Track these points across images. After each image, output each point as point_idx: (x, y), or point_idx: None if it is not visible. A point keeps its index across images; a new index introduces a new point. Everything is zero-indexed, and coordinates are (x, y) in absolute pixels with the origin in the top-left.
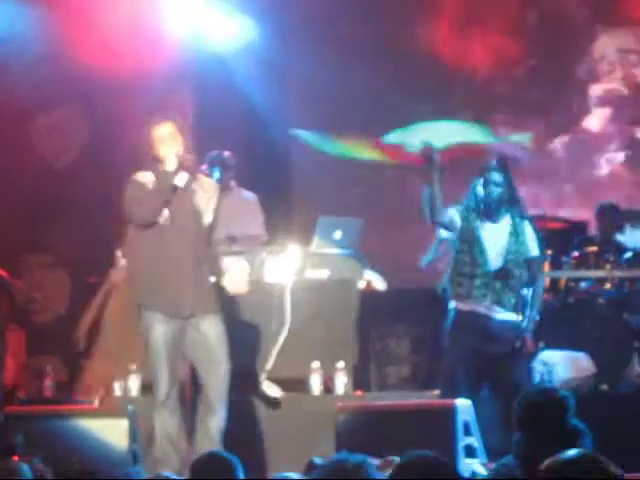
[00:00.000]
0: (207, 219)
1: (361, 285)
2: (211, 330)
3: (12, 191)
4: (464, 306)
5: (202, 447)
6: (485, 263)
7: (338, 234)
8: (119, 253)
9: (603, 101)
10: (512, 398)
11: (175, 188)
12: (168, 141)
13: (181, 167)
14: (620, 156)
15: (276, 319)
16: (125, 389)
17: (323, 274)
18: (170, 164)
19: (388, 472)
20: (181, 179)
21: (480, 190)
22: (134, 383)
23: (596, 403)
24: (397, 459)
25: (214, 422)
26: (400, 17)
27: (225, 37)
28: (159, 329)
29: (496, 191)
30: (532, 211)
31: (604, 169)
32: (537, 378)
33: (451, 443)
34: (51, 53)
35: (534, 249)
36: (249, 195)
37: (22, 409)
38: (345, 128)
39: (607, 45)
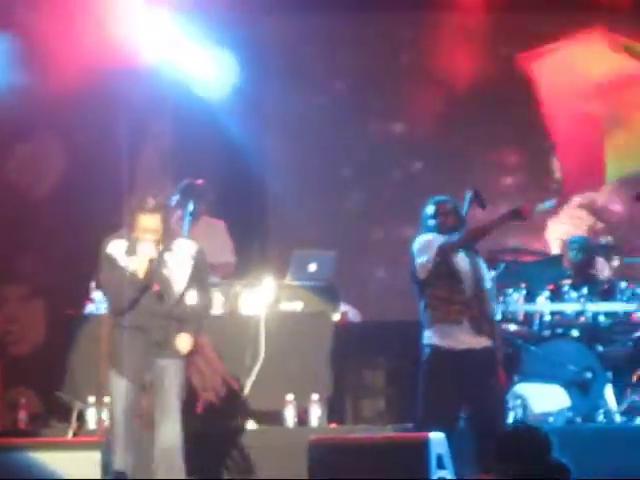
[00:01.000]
0: (179, 286)
1: (336, 317)
2: (170, 371)
3: None
4: (441, 342)
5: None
6: (463, 289)
7: (312, 267)
8: (93, 284)
9: None
10: (487, 431)
11: (138, 290)
12: (150, 232)
13: (148, 273)
14: None
15: (250, 351)
16: (98, 421)
17: (297, 306)
18: (140, 268)
19: None
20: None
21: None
22: (108, 415)
23: (570, 436)
24: None
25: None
26: (379, 47)
27: (201, 69)
28: (118, 382)
29: (449, 222)
30: (508, 244)
31: None
32: (511, 411)
33: (424, 476)
34: (26, 82)
35: (489, 279)
36: (217, 223)
37: None
38: (320, 159)
39: None
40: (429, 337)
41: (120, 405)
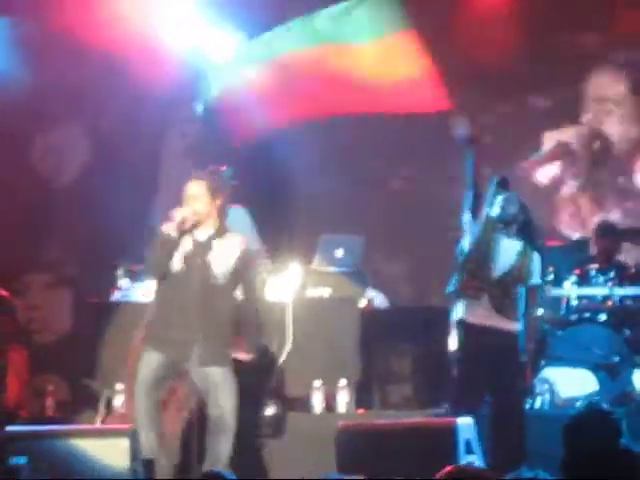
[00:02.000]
0: (223, 273)
1: (363, 303)
2: (218, 382)
3: (12, 210)
4: (473, 318)
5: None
6: (492, 272)
7: (340, 252)
8: (119, 272)
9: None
10: (507, 416)
11: (174, 245)
12: (190, 200)
13: (181, 232)
14: None
15: (278, 338)
16: (127, 408)
17: (325, 292)
18: (170, 226)
19: None
20: (199, 235)
21: (497, 206)
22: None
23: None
24: None
25: (222, 446)
26: None
27: (226, 54)
28: (149, 360)
29: (513, 209)
30: None
31: None
32: (538, 396)
33: (452, 461)
34: (48, 71)
35: (536, 277)
36: (239, 210)
37: (24, 429)
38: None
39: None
40: (461, 316)
41: (145, 381)
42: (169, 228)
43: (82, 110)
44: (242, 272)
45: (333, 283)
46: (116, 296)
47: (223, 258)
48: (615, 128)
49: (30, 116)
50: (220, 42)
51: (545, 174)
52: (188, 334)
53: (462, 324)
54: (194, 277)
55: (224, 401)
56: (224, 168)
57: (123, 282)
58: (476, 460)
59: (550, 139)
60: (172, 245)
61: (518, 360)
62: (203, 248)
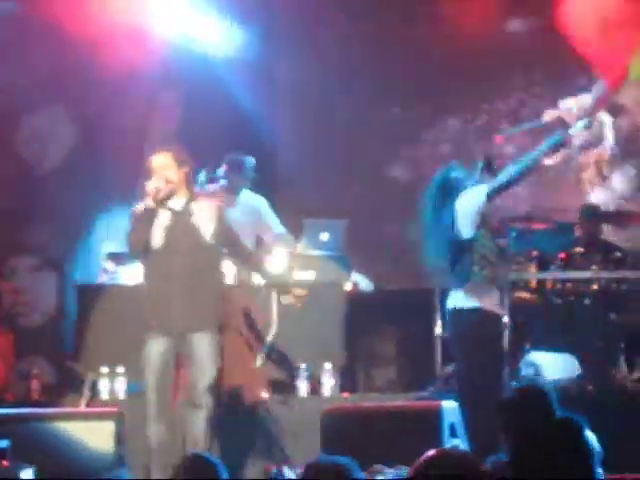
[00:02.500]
0: (206, 237)
1: (347, 286)
2: (202, 347)
3: None
4: (490, 306)
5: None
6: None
7: (324, 236)
8: (104, 255)
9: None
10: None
11: (173, 215)
12: (158, 171)
13: (165, 199)
14: None
15: (263, 321)
16: (112, 392)
17: (310, 276)
18: (147, 198)
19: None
20: (173, 205)
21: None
22: (121, 385)
23: (582, 404)
24: (384, 468)
25: (198, 418)
26: (390, 16)
27: (212, 40)
28: (153, 346)
29: None
30: (519, 211)
31: None
32: (524, 380)
33: (437, 444)
34: (35, 54)
35: None
36: (259, 198)
37: (9, 412)
38: (330, 130)
39: None
40: (475, 304)
41: (154, 367)
42: (139, 208)
43: (67, 94)
44: (224, 233)
45: (318, 267)
46: (101, 279)
47: (203, 222)
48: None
49: (14, 100)
50: (206, 27)
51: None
52: (182, 303)
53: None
54: (178, 246)
55: (206, 370)
56: (246, 157)
57: (108, 265)
58: (460, 443)
59: (549, 114)
60: (148, 217)
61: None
62: (181, 216)
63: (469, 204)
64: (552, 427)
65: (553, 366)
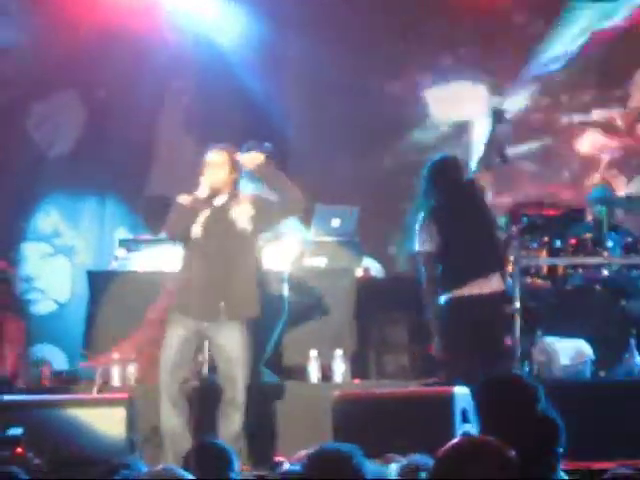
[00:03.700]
0: (243, 227)
1: (359, 273)
2: (231, 339)
3: (9, 180)
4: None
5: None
6: None
7: (335, 222)
8: (116, 242)
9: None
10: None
11: (202, 209)
12: (211, 168)
13: (213, 195)
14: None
15: (274, 307)
16: (124, 378)
17: (321, 262)
18: (202, 191)
19: (389, 468)
20: (217, 201)
21: None
22: (132, 372)
23: (594, 389)
24: (397, 457)
25: (236, 417)
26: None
27: (223, 25)
28: (175, 329)
29: None
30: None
31: None
32: (536, 365)
33: (449, 430)
34: (47, 39)
35: None
36: None
37: (20, 399)
38: (340, 115)
39: None
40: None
41: (173, 350)
42: (185, 199)
43: (77, 80)
44: (258, 217)
45: (329, 253)
46: (113, 265)
47: (240, 214)
48: None
49: (26, 84)
50: (218, 12)
51: (586, 141)
52: (212, 294)
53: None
54: (213, 240)
55: (242, 365)
56: (266, 144)
57: (120, 252)
58: (472, 429)
59: (597, 114)
60: (189, 215)
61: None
62: (221, 212)
63: None
64: (532, 422)
65: (565, 352)
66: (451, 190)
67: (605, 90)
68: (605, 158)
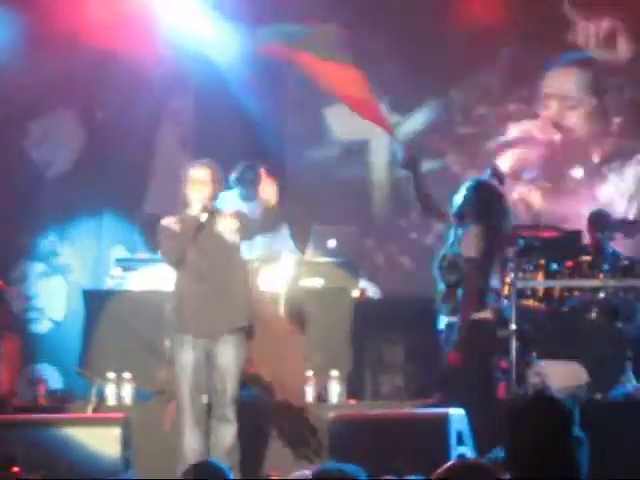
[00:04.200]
0: (231, 240)
1: (355, 293)
2: (227, 352)
3: (7, 198)
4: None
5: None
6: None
7: (332, 243)
8: (113, 261)
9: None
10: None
11: (196, 229)
12: (197, 185)
13: (204, 210)
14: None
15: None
16: (118, 397)
17: (317, 283)
18: (195, 207)
19: None
20: (202, 217)
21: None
22: (127, 391)
23: (590, 413)
24: (393, 478)
25: (228, 432)
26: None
27: (220, 43)
28: (184, 351)
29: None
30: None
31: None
32: (530, 388)
33: (445, 452)
34: (46, 57)
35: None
36: None
37: (16, 417)
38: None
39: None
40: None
41: (187, 375)
42: (170, 222)
43: (76, 98)
44: (243, 229)
45: (326, 274)
46: (109, 284)
47: (226, 231)
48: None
49: (24, 103)
50: (214, 30)
51: (506, 161)
52: (212, 309)
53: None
54: (205, 256)
55: (232, 378)
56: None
57: (116, 271)
58: (468, 451)
59: (514, 129)
60: (181, 238)
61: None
62: (208, 227)
63: None
64: (563, 443)
65: (560, 374)
66: None
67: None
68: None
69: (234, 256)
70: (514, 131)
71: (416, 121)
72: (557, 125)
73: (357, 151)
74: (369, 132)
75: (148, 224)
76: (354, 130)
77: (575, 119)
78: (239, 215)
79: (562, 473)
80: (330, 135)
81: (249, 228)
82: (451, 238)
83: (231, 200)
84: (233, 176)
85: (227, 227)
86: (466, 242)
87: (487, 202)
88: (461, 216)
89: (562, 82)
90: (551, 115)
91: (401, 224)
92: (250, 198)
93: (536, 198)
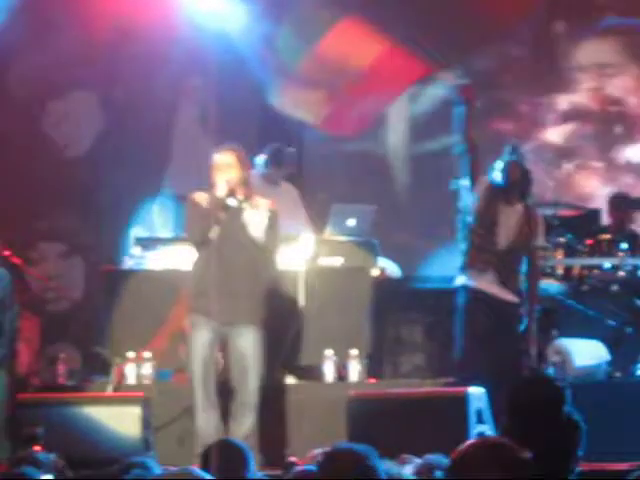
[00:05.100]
0: (256, 231)
1: (375, 272)
2: (247, 342)
3: (27, 179)
4: (478, 284)
5: None
6: (497, 243)
7: (351, 222)
8: (131, 240)
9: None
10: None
11: (222, 211)
12: (223, 169)
13: (230, 194)
14: None
15: (290, 307)
16: (138, 376)
17: (337, 261)
18: (220, 190)
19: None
20: (231, 202)
21: (499, 173)
22: (147, 370)
23: (610, 391)
24: (412, 457)
25: (247, 419)
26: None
27: (240, 22)
28: (200, 332)
29: (515, 176)
30: (546, 198)
31: None
32: (551, 366)
33: (464, 431)
34: (64, 37)
35: (540, 239)
36: (293, 189)
37: (36, 396)
38: None
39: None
40: (460, 279)
41: (199, 358)
42: (198, 196)
43: (96, 77)
44: (269, 232)
45: (345, 252)
46: (128, 264)
47: (254, 220)
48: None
49: (44, 84)
50: (233, 9)
51: (559, 134)
52: (231, 295)
53: (467, 289)
54: (230, 240)
55: (254, 368)
56: (290, 149)
57: (135, 250)
58: (487, 430)
59: (565, 100)
60: (208, 217)
61: (518, 329)
62: (236, 212)
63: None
64: (558, 423)
65: (581, 353)
66: None
67: None
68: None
69: (258, 247)
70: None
71: (434, 92)
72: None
73: (375, 125)
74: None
75: (166, 204)
76: None
77: (619, 89)
78: (273, 212)
79: (550, 453)
80: None
81: (273, 230)
82: (468, 200)
83: (255, 183)
84: (261, 158)
85: (256, 218)
86: (534, 227)
87: (529, 183)
88: (501, 190)
89: (598, 51)
90: (591, 86)
91: (422, 201)
92: (277, 182)
93: (583, 178)
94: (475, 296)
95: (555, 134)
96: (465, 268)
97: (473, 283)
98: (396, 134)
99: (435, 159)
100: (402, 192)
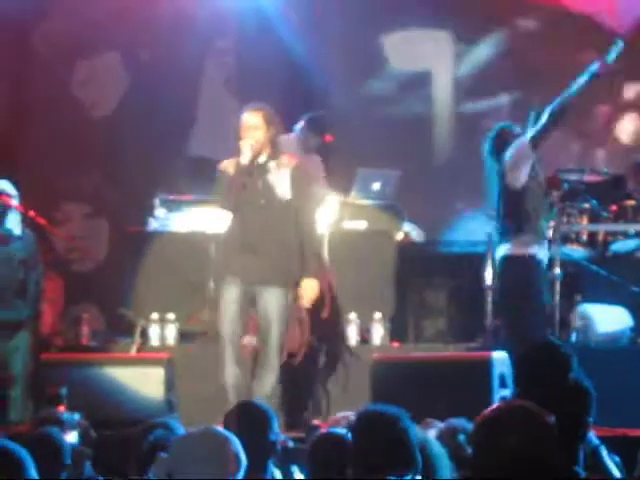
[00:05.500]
0: (283, 194)
1: (399, 236)
2: (273, 302)
3: (52, 140)
4: (543, 254)
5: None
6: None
7: (376, 185)
8: (156, 201)
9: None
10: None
11: (248, 176)
12: (249, 131)
13: (255, 157)
14: None
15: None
16: (162, 338)
17: (361, 225)
18: (244, 157)
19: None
20: (256, 165)
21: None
22: (171, 332)
23: (633, 356)
24: (436, 422)
25: (268, 380)
26: None
27: None
28: (228, 291)
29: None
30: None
31: None
32: (574, 332)
33: (487, 395)
34: (90, 1)
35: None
36: (315, 156)
37: (59, 357)
38: (381, 76)
39: None
40: (530, 251)
41: (228, 316)
42: (226, 166)
43: (121, 39)
44: (296, 191)
45: (369, 216)
46: (153, 226)
47: (281, 177)
48: None
49: (71, 44)
50: None
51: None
52: (256, 256)
53: (538, 261)
54: (257, 201)
55: (275, 330)
56: (325, 116)
57: (160, 212)
58: (510, 394)
59: (630, 90)
60: (237, 185)
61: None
62: (262, 171)
63: (516, 152)
64: (565, 390)
65: (604, 318)
66: None
67: None
68: None
69: (286, 207)
70: None
71: (481, 52)
72: None
73: (418, 84)
74: (432, 61)
75: (191, 166)
76: (414, 59)
77: None
78: (299, 169)
79: (557, 419)
80: (385, 68)
81: (305, 189)
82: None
83: (291, 147)
84: (299, 125)
85: (282, 177)
86: None
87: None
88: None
89: None
90: None
91: (464, 164)
92: (313, 150)
93: None
94: (543, 269)
95: None
96: (540, 239)
97: (540, 255)
98: (442, 92)
99: (479, 119)
100: (440, 153)
